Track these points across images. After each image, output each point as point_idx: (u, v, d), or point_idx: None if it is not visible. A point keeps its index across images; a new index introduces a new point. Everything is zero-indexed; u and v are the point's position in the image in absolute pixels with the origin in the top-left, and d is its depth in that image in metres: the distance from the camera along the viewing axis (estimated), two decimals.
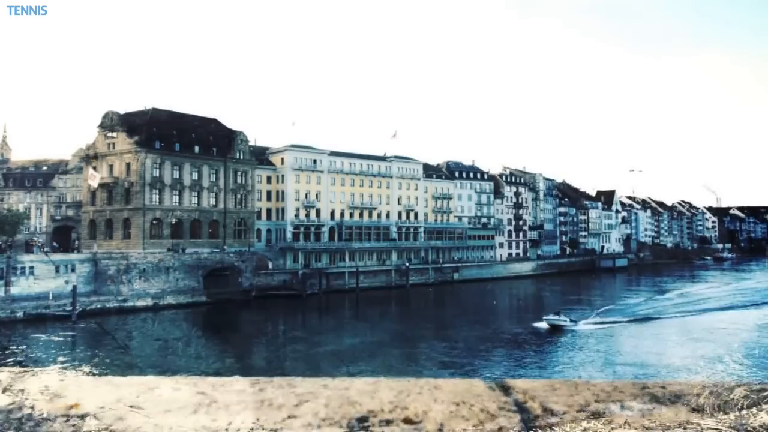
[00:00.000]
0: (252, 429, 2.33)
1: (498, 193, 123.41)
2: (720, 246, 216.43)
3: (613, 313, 62.20)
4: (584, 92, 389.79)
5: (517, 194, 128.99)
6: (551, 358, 43.96)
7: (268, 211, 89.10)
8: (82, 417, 2.37)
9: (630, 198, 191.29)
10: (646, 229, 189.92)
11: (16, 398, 2.49)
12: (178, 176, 77.30)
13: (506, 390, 2.73)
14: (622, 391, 2.77)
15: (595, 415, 2.48)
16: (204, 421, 2.37)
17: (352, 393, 2.73)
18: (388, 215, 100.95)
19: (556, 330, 52.03)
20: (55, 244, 78.81)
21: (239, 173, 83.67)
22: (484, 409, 2.51)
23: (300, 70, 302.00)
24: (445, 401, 2.58)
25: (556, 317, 53.63)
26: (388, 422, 2.40)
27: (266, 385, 2.75)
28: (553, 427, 2.38)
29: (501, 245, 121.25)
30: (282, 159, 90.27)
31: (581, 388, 2.80)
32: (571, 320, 53.82)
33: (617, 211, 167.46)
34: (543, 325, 53.47)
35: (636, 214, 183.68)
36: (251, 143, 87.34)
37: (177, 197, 77.10)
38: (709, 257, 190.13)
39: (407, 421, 2.41)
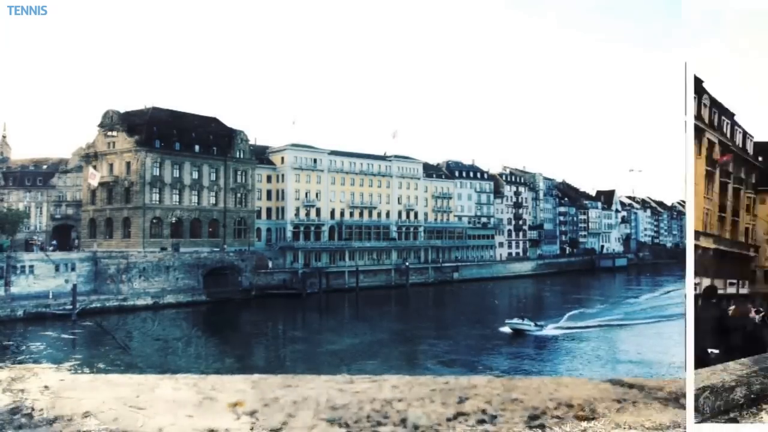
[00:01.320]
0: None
1: (498, 192, 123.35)
2: None
3: (584, 317, 60.00)
4: (584, 92, 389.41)
5: (517, 194, 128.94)
6: (550, 358, 43.93)
7: (268, 210, 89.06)
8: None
9: (630, 198, 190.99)
10: (645, 229, 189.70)
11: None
12: (178, 175, 77.30)
13: (632, 386, 2.73)
14: None
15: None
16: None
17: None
18: (387, 215, 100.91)
19: (519, 335, 50.06)
20: (54, 243, 78.68)
21: (239, 172, 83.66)
22: (647, 405, 2.50)
23: (300, 69, 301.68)
24: (604, 399, 2.58)
25: (519, 321, 51.67)
26: (560, 418, 2.40)
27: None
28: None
29: (501, 245, 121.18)
30: (282, 158, 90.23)
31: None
32: (536, 325, 51.70)
33: (617, 211, 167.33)
34: (506, 329, 51.35)
35: (636, 213, 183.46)
36: (251, 142, 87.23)
37: (177, 196, 77.11)
38: None
39: (581, 418, 2.40)
